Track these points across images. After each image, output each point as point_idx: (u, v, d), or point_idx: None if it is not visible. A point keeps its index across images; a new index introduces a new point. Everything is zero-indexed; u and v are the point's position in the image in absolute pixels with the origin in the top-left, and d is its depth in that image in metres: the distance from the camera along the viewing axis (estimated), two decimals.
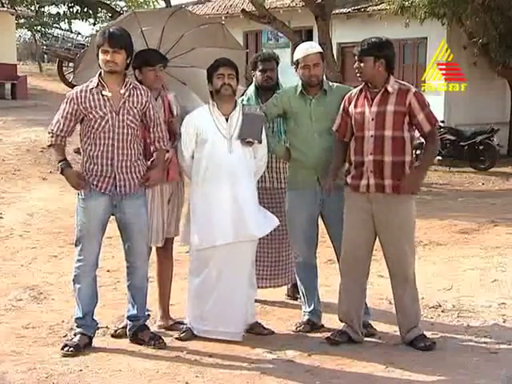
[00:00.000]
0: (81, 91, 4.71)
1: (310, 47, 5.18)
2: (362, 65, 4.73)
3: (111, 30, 4.69)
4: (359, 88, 4.85)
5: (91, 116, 4.67)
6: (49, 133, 4.79)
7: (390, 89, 4.70)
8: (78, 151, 4.95)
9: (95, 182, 4.71)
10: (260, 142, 4.98)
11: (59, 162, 4.79)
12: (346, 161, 4.98)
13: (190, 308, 5.03)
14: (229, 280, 4.90)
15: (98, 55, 4.68)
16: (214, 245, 4.88)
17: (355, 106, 4.79)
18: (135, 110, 4.73)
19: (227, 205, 4.88)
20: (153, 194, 5.02)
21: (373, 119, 4.70)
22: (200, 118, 4.94)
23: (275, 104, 5.19)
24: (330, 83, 5.24)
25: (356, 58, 4.77)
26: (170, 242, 5.25)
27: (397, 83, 4.76)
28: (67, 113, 4.71)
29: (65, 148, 4.84)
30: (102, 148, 4.69)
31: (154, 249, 5.19)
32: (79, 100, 4.68)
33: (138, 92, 4.76)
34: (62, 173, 4.77)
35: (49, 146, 4.87)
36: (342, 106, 4.90)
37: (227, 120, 4.93)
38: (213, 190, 4.89)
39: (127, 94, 4.72)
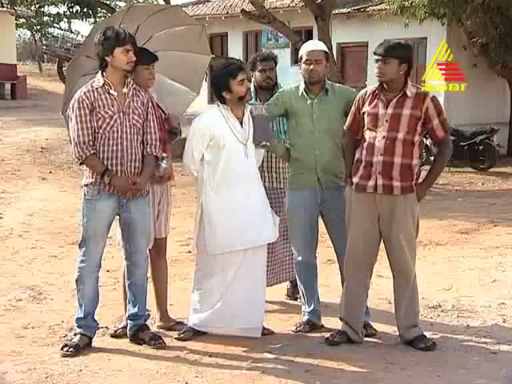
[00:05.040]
0: (88, 91, 4.66)
1: (315, 45, 5.20)
2: (385, 66, 4.64)
3: (124, 30, 4.67)
4: (373, 88, 4.78)
5: (99, 115, 4.64)
6: (76, 148, 4.64)
7: (408, 93, 4.67)
8: None
9: (104, 184, 4.66)
10: (270, 143, 5.00)
11: (104, 172, 4.63)
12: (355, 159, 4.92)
13: (202, 309, 4.98)
14: (245, 281, 4.92)
15: (105, 54, 4.62)
16: (234, 249, 4.89)
17: (370, 106, 4.74)
18: (140, 110, 4.73)
19: (245, 209, 4.88)
20: None
21: (387, 121, 4.67)
22: (215, 123, 4.87)
23: (277, 103, 5.19)
24: (333, 84, 5.23)
25: (379, 57, 4.66)
26: (163, 242, 5.23)
27: (414, 87, 4.73)
28: (85, 115, 4.62)
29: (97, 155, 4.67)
30: (110, 148, 4.66)
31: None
32: (90, 100, 4.63)
33: (140, 93, 4.77)
34: (110, 183, 4.62)
35: (81, 163, 4.70)
36: (355, 105, 4.84)
37: (242, 125, 4.91)
38: (230, 195, 4.87)
39: (130, 93, 4.72)
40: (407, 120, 4.64)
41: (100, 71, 4.72)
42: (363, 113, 4.77)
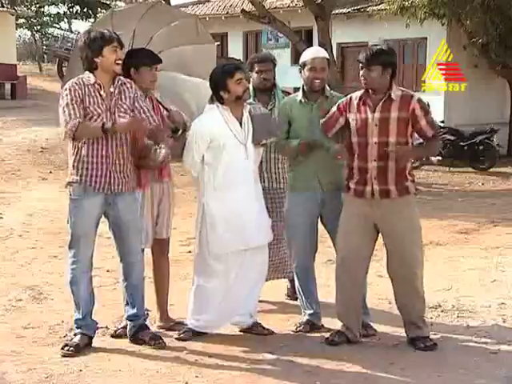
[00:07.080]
0: (78, 83, 4.64)
1: (318, 52, 5.20)
2: (369, 73, 4.66)
3: (108, 30, 4.68)
4: (359, 95, 4.79)
5: (88, 111, 4.61)
6: (66, 125, 4.54)
7: (393, 96, 4.68)
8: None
9: (89, 182, 4.65)
10: (277, 136, 5.03)
11: (102, 126, 4.55)
12: (346, 166, 4.94)
13: (203, 312, 4.97)
14: (246, 281, 4.95)
15: (93, 55, 4.60)
16: (236, 249, 4.90)
17: (357, 112, 4.76)
18: (125, 106, 4.70)
19: (246, 209, 4.89)
20: (143, 195, 4.97)
21: (376, 125, 4.68)
22: (214, 124, 4.87)
23: (283, 119, 5.19)
24: (331, 92, 5.24)
25: (362, 65, 4.70)
26: (165, 243, 5.22)
27: (399, 90, 4.75)
28: (76, 101, 4.57)
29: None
30: (96, 146, 4.64)
31: (149, 250, 5.15)
32: (81, 91, 4.61)
33: (126, 87, 4.74)
34: (114, 131, 4.54)
35: (74, 137, 4.58)
36: (337, 106, 4.86)
37: (241, 125, 4.92)
38: (231, 195, 4.87)
39: (117, 91, 4.70)
40: (396, 123, 4.66)
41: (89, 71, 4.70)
42: (348, 119, 4.78)
